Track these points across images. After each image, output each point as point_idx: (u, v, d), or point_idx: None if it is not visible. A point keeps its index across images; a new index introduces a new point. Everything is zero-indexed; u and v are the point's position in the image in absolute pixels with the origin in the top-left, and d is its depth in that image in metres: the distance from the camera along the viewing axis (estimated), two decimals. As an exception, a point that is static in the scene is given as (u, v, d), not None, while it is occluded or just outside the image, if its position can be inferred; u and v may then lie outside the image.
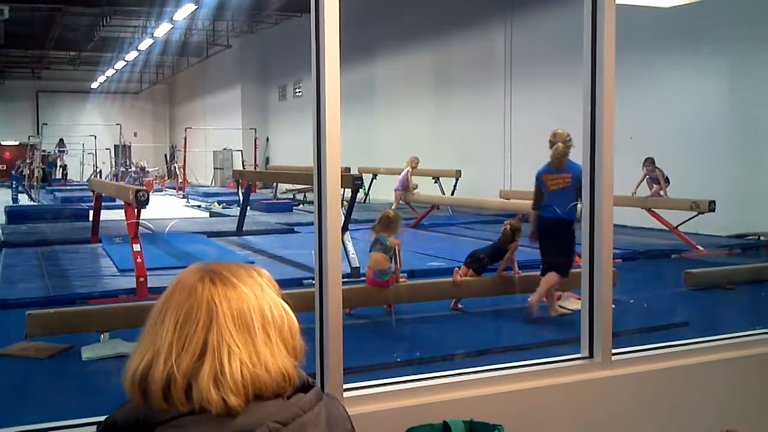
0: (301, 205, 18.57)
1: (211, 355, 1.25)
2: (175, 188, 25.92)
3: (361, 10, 19.57)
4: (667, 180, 11.10)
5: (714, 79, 12.14)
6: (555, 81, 14.07)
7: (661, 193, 11.16)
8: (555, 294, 6.94)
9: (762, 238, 10.94)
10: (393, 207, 13.96)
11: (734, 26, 11.38)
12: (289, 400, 1.29)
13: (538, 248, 6.96)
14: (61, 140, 31.42)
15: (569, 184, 6.55)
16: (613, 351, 3.06)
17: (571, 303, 6.98)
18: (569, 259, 6.65)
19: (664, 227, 11.21)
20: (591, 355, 3.04)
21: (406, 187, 13.95)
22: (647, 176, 11.29)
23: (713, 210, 10.14)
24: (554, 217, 6.65)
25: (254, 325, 1.29)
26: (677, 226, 10.95)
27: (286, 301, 1.37)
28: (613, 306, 3.13)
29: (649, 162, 11.25)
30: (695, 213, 10.48)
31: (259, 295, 1.33)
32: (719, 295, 7.96)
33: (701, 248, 10.42)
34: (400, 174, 14.33)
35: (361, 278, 7.20)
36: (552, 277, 6.65)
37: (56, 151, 31.03)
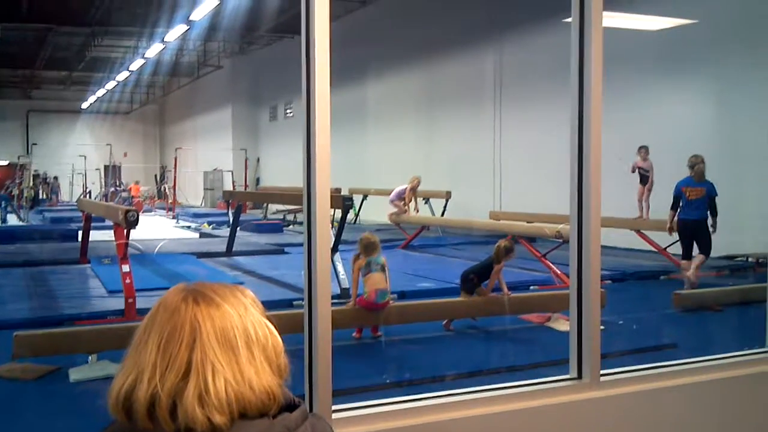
0: (292, 226, 18.56)
1: (195, 374, 1.25)
2: (165, 209, 25.87)
3: (352, 31, 19.70)
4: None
5: (701, 101, 12.24)
6: (544, 102, 14.15)
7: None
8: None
9: (750, 259, 10.98)
10: (390, 217, 14.12)
11: (720, 49, 11.50)
12: (274, 419, 1.29)
13: (679, 240, 9.35)
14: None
15: (704, 195, 8.98)
16: (602, 372, 3.06)
17: (560, 324, 7.00)
18: (710, 244, 9.08)
19: (653, 249, 11.26)
20: (579, 376, 3.04)
21: (401, 198, 14.05)
22: (638, 167, 11.32)
23: (702, 231, 10.17)
24: (693, 219, 9.05)
25: (238, 343, 1.29)
26: (666, 248, 11.00)
27: (270, 321, 1.38)
28: (602, 327, 3.14)
29: (644, 150, 11.32)
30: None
31: (242, 314, 1.33)
32: (708, 316, 7.98)
33: (690, 269, 10.46)
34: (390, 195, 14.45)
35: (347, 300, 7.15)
36: (702, 257, 9.01)
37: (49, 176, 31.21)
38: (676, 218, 9.26)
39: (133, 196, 28.12)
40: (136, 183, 31.29)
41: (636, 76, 12.48)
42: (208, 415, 1.22)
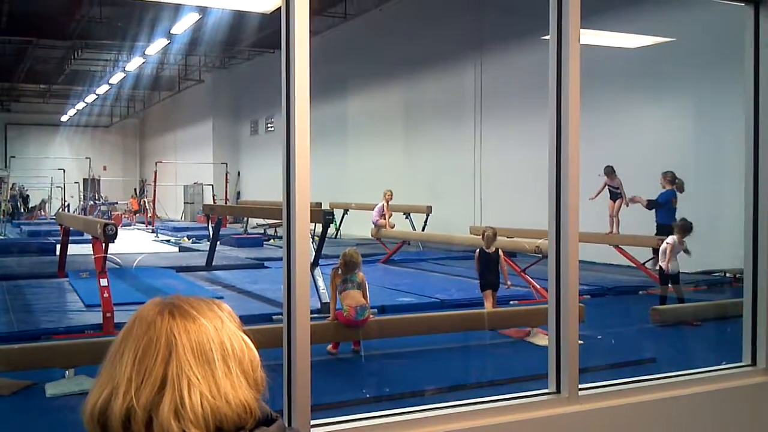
0: (272, 240, 18.50)
1: (171, 387, 1.24)
2: (144, 222, 25.72)
3: (333, 46, 19.74)
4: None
5: (678, 117, 12.37)
6: (524, 119, 14.24)
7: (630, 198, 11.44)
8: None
9: (728, 274, 11.07)
10: (372, 231, 14.21)
11: (696, 67, 11.64)
12: (251, 434, 1.29)
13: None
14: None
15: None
16: (580, 386, 3.07)
17: (540, 339, 7.01)
18: None
19: (632, 264, 11.34)
20: (558, 391, 3.06)
21: (382, 215, 14.15)
22: (607, 185, 11.48)
23: (680, 247, 10.26)
24: (672, 223, 10.10)
25: (214, 357, 1.28)
26: (644, 263, 11.08)
27: (247, 335, 1.37)
28: (581, 342, 3.15)
29: (609, 169, 11.45)
30: (662, 249, 10.61)
31: (219, 328, 1.32)
32: (686, 331, 8.03)
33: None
34: (372, 209, 14.49)
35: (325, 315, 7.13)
36: None
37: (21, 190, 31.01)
38: (657, 221, 10.94)
39: (134, 210, 28.04)
40: (133, 197, 31.14)
41: (615, 94, 12.60)
42: (184, 429, 1.21)
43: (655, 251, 10.70)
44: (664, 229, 10.64)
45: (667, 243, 8.75)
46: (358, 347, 6.93)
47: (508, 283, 8.29)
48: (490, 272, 8.02)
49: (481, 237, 8.22)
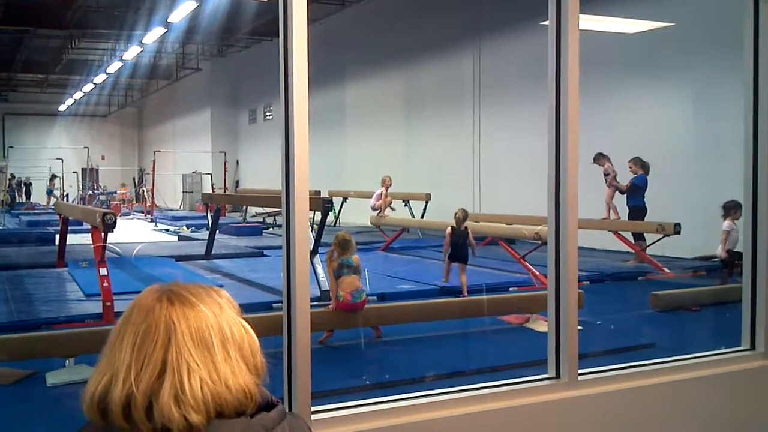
0: (271, 229, 18.49)
1: (171, 373, 1.25)
2: (143, 212, 25.72)
3: (331, 34, 19.69)
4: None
5: (678, 103, 12.35)
6: (523, 105, 14.22)
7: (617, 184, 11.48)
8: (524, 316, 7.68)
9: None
10: (371, 219, 14.31)
11: (696, 52, 11.61)
12: (252, 419, 1.29)
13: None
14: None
15: None
16: (580, 371, 3.09)
17: (539, 325, 7.03)
18: None
19: (631, 250, 11.35)
20: (558, 376, 3.07)
21: (379, 200, 14.26)
22: (605, 174, 11.50)
23: (678, 232, 10.28)
24: (646, 206, 11.20)
25: (213, 342, 1.29)
26: (643, 249, 11.10)
27: (246, 321, 1.38)
28: (580, 328, 3.16)
29: (598, 156, 11.44)
30: (661, 235, 10.62)
31: (217, 314, 1.33)
32: (685, 316, 8.05)
33: (667, 270, 10.54)
34: (371, 197, 14.54)
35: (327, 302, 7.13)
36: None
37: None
38: (631, 204, 11.34)
39: (123, 200, 28.05)
40: (124, 186, 31.12)
41: (614, 79, 12.57)
42: (184, 414, 1.22)
43: (636, 237, 11.29)
44: (636, 212, 11.21)
45: (725, 230, 8.87)
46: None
47: (476, 253, 9.38)
48: (460, 248, 9.04)
49: (454, 217, 9.21)
